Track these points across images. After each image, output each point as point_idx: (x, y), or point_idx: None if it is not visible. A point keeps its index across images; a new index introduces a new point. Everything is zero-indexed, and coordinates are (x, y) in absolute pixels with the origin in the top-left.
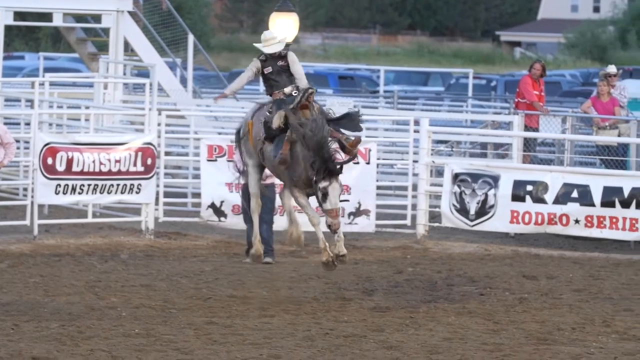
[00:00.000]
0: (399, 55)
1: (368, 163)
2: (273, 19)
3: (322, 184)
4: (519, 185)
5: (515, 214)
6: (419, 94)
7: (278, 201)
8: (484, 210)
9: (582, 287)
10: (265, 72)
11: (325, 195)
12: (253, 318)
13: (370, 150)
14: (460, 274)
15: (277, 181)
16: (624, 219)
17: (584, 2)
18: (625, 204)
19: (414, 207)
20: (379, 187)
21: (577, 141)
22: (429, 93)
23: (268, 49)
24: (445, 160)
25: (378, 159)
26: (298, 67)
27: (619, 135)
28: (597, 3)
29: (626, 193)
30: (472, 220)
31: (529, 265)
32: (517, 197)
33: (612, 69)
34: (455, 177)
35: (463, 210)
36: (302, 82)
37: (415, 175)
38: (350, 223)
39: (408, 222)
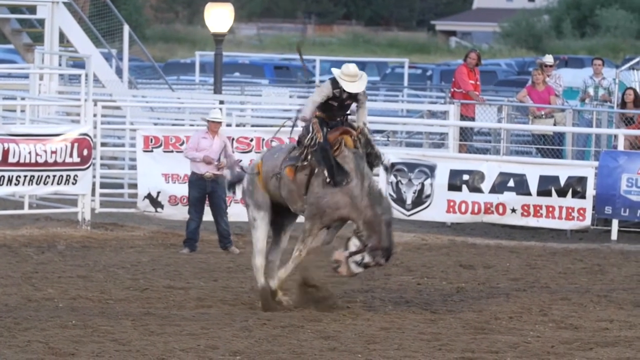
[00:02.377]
0: (334, 45)
1: None
2: (208, 10)
3: (368, 260)
4: (455, 174)
5: (451, 204)
6: None
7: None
8: (420, 199)
9: (519, 276)
10: (329, 102)
11: (362, 266)
12: (190, 309)
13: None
14: (397, 263)
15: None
16: (560, 207)
17: None
18: (562, 193)
19: None
20: None
21: (513, 130)
22: None
23: (351, 87)
24: (382, 150)
25: None
26: (365, 99)
27: (554, 124)
28: None
29: (562, 182)
30: (408, 210)
31: (465, 255)
32: (453, 186)
33: (549, 59)
34: (392, 166)
35: (400, 200)
36: (363, 116)
37: None
38: None
39: None
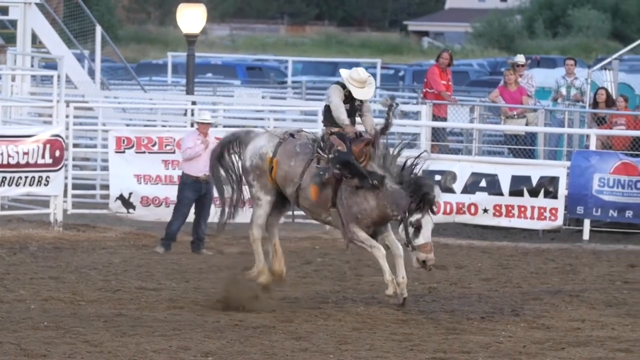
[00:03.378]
0: (306, 46)
1: None
2: (180, 11)
3: (415, 217)
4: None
5: None
6: (327, 85)
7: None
8: None
9: (491, 276)
10: None
11: (418, 229)
12: (162, 310)
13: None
14: (368, 264)
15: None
16: (532, 208)
17: None
18: (534, 193)
19: None
20: None
21: (485, 130)
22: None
23: (361, 94)
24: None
25: None
26: (368, 111)
27: (526, 124)
28: None
29: (534, 182)
30: None
31: (437, 255)
32: None
33: (520, 58)
34: None
35: None
36: (369, 122)
37: None
38: None
39: None
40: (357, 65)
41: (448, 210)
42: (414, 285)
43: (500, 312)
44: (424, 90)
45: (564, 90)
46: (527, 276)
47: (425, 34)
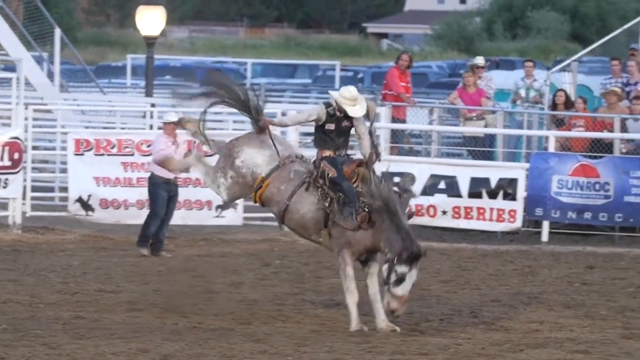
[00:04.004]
0: (266, 48)
1: None
2: (140, 13)
3: (401, 269)
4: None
5: None
6: (286, 87)
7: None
8: None
9: (450, 278)
10: (326, 128)
11: (400, 281)
12: (121, 312)
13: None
14: (328, 266)
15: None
16: (491, 209)
17: None
18: (492, 195)
19: None
20: None
21: (444, 132)
22: (296, 85)
23: (353, 111)
24: (314, 152)
25: None
26: (364, 128)
27: (485, 126)
28: None
29: (493, 184)
30: None
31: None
32: None
33: (479, 60)
34: None
35: None
36: (366, 145)
37: None
38: (217, 216)
39: None
40: (316, 67)
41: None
42: None
43: (459, 314)
44: (383, 92)
45: (523, 92)
46: (486, 278)
47: (385, 36)
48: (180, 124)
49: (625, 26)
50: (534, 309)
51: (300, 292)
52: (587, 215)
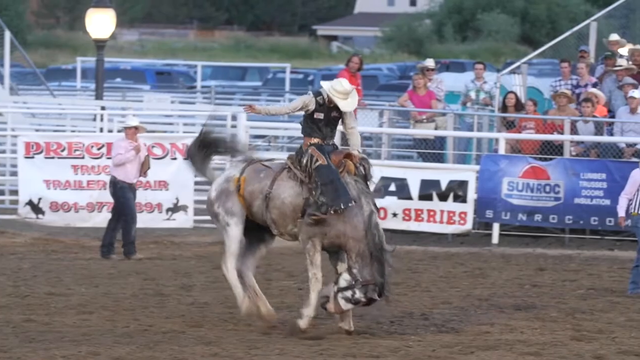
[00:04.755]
0: (216, 51)
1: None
2: (90, 16)
3: (359, 295)
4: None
5: None
6: (236, 89)
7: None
8: None
9: (401, 280)
10: (315, 117)
11: (353, 302)
12: (72, 315)
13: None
14: (278, 268)
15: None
16: (442, 212)
17: None
18: (443, 197)
19: None
20: (196, 183)
21: (394, 135)
22: (246, 88)
23: (345, 105)
24: (263, 155)
25: None
26: (354, 123)
27: (435, 129)
28: None
29: (443, 186)
30: None
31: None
32: None
33: (429, 62)
34: None
35: None
36: (356, 140)
37: None
38: (168, 219)
39: None
40: (266, 69)
41: None
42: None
43: (410, 316)
44: None
45: (473, 94)
46: (437, 280)
47: (335, 38)
48: (140, 128)
49: (575, 28)
50: (484, 311)
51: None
52: (538, 217)
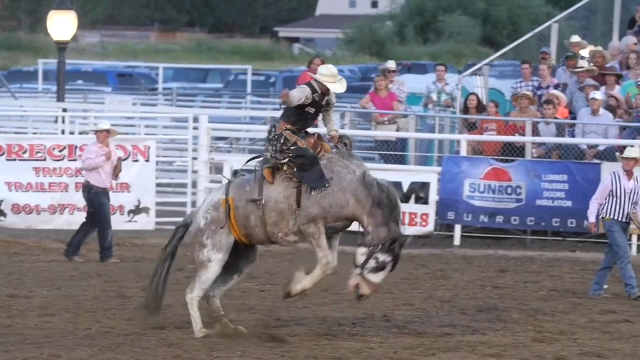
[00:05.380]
0: (177, 53)
1: (147, 161)
2: (51, 18)
3: (384, 257)
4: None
5: None
6: (198, 91)
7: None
8: None
9: None
10: (307, 110)
11: (381, 268)
12: (33, 318)
13: (149, 148)
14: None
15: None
16: (404, 214)
17: None
18: (405, 199)
19: (193, 204)
20: (158, 185)
21: (356, 136)
22: (208, 90)
23: (337, 88)
24: (225, 157)
25: (158, 156)
26: (333, 115)
27: (397, 130)
28: None
29: (405, 188)
30: None
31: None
32: None
33: (391, 64)
34: (235, 173)
35: None
36: (332, 120)
37: (194, 172)
38: (130, 221)
39: None
40: (228, 72)
41: None
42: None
43: (372, 318)
44: None
45: (434, 96)
46: (399, 282)
47: (296, 40)
48: (112, 132)
49: (536, 30)
50: (446, 313)
51: (213, 297)
52: (499, 219)
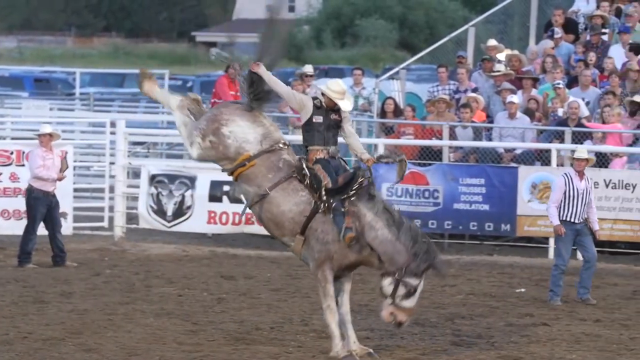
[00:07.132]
0: (94, 57)
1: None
2: None
3: (414, 281)
4: (215, 185)
5: (212, 215)
6: (115, 96)
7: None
8: (181, 211)
9: (280, 286)
10: (314, 120)
11: (412, 294)
12: None
13: (66, 153)
14: (158, 275)
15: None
16: None
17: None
18: None
19: (111, 209)
20: (75, 190)
21: None
22: (125, 95)
23: (345, 105)
24: (142, 161)
25: (75, 161)
26: (351, 127)
27: None
28: (292, 2)
29: None
30: (169, 222)
31: (226, 266)
32: (214, 197)
33: (308, 69)
34: (152, 178)
35: (160, 212)
36: (358, 144)
37: (112, 177)
38: None
39: (105, 224)
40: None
41: (237, 221)
42: (203, 296)
43: (290, 322)
44: (212, 100)
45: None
46: (316, 286)
47: (214, 44)
48: (54, 135)
49: (453, 34)
50: (364, 317)
51: (131, 302)
52: (417, 222)
